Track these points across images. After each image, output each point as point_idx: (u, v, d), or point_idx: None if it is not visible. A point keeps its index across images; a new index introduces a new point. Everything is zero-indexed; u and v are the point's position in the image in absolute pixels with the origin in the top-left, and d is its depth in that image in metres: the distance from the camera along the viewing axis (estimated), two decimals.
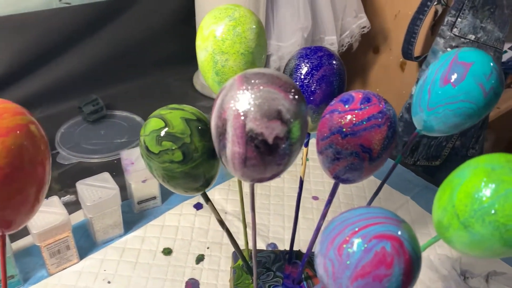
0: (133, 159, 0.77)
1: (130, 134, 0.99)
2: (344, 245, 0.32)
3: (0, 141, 0.29)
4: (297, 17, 1.09)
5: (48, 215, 0.66)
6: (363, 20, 1.27)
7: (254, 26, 0.45)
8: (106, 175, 0.74)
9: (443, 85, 0.45)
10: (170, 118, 0.41)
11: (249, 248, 0.62)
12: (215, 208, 0.50)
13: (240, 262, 0.61)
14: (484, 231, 0.34)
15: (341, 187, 0.89)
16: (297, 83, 0.50)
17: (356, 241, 0.31)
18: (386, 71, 1.53)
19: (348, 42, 1.29)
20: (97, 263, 0.72)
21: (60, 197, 0.82)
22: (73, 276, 0.69)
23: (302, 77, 0.49)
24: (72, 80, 1.04)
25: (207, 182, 0.45)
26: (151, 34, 1.13)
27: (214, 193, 0.86)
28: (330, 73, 0.49)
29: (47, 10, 0.94)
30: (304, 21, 1.10)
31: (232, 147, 0.33)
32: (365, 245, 0.31)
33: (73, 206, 0.81)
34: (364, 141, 0.41)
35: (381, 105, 0.42)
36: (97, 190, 0.71)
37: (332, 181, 0.47)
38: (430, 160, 1.29)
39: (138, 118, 1.04)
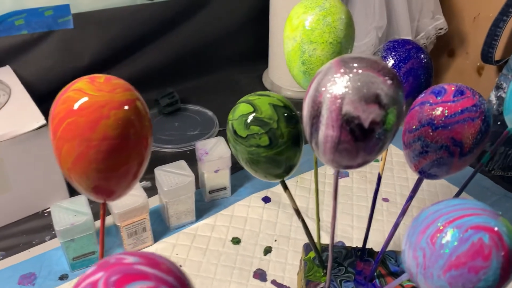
0: (207, 149, 0.80)
1: (202, 127, 1.02)
2: (438, 234, 0.31)
3: (112, 113, 0.31)
4: (372, 16, 1.08)
5: (129, 197, 0.70)
6: (440, 22, 1.23)
7: (343, 17, 0.45)
8: (182, 163, 0.77)
9: None
10: (258, 103, 0.42)
11: (321, 243, 0.62)
12: (292, 197, 0.50)
13: (311, 254, 0.61)
14: None
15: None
16: None
17: (451, 230, 0.31)
18: (462, 76, 1.47)
19: (424, 44, 1.25)
20: (170, 247, 0.75)
21: None
22: None
23: None
24: (150, 73, 1.09)
25: (288, 170, 0.46)
26: (225, 31, 1.16)
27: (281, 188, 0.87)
28: (418, 66, 0.48)
29: (131, 6, 1.00)
30: (379, 20, 1.08)
31: (325, 130, 0.33)
32: (461, 235, 0.30)
33: (148, 192, 0.85)
34: (456, 135, 0.40)
35: (475, 98, 0.40)
36: (174, 177, 0.74)
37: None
38: (506, 171, 1.22)
39: (209, 113, 1.07)
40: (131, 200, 0.69)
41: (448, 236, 0.31)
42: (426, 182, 0.89)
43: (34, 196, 0.78)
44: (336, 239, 0.76)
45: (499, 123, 1.11)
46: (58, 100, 0.32)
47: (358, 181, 0.90)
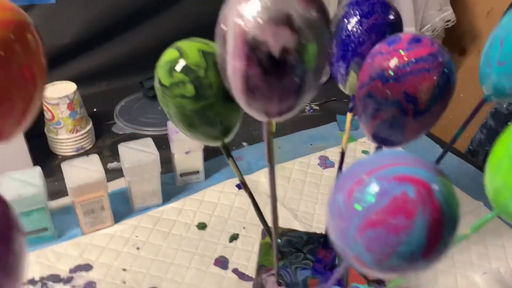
0: (177, 129, 0.75)
1: None
2: (356, 187, 0.25)
3: None
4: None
5: (85, 171, 0.65)
6: (448, 13, 1.16)
7: None
8: (149, 140, 0.73)
9: None
10: (186, 49, 0.37)
11: (281, 227, 0.57)
12: (237, 168, 0.45)
13: (268, 239, 0.55)
14: None
15: None
16: (344, 32, 0.43)
17: (371, 182, 0.25)
18: (473, 75, 1.38)
19: (430, 36, 1.18)
20: (131, 228, 0.70)
21: (108, 163, 0.82)
22: (105, 238, 0.68)
23: (350, 26, 0.43)
24: (136, 56, 1.05)
25: (225, 130, 0.41)
26: (216, 16, 1.12)
27: (260, 175, 0.81)
28: (382, 22, 0.42)
29: None
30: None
31: (232, 63, 0.27)
32: (382, 187, 0.24)
33: (119, 173, 0.81)
34: (408, 88, 0.34)
35: (433, 47, 0.34)
36: (137, 154, 0.70)
37: None
38: None
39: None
40: (87, 174, 0.65)
41: (367, 188, 0.25)
42: None
43: None
44: (311, 230, 0.70)
45: (509, 123, 1.04)
46: None
47: None
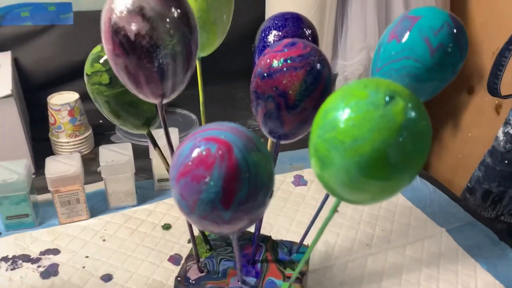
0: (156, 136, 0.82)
1: (181, 128, 1.05)
2: (181, 147, 0.31)
3: None
4: (364, 35, 1.07)
5: (63, 165, 0.73)
6: None
7: None
8: (128, 145, 0.80)
9: (389, 40, 0.41)
10: None
11: None
12: (163, 156, 0.51)
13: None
14: (334, 156, 0.29)
15: (369, 207, 0.82)
16: (261, 43, 0.49)
17: (188, 142, 0.30)
18: (480, 114, 1.38)
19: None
20: (102, 223, 0.77)
21: (98, 167, 0.90)
22: (78, 229, 0.75)
23: (266, 38, 0.49)
24: None
25: (147, 119, 0.47)
26: (225, 46, 1.21)
27: None
28: (294, 35, 0.48)
29: None
30: (371, 40, 1.07)
31: (106, 46, 0.34)
32: (193, 145, 0.29)
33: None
34: (278, 84, 0.39)
35: (305, 50, 0.39)
36: (114, 155, 0.77)
37: None
38: None
39: (193, 116, 1.11)
40: (65, 168, 0.73)
41: (183, 148, 0.30)
42: (386, 202, 0.84)
43: None
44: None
45: (506, 161, 1.04)
46: None
47: (314, 190, 0.87)
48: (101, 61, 0.43)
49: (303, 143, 1.03)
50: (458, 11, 1.31)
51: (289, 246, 0.58)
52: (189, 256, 0.57)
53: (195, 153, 0.29)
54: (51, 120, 0.92)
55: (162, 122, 0.41)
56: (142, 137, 1.02)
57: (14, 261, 0.68)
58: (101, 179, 0.87)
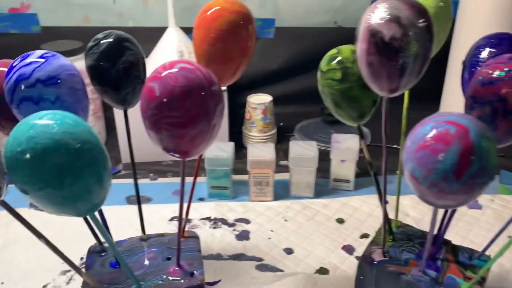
0: (339, 139, 0.91)
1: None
2: (419, 127, 0.38)
3: (227, 15, 0.49)
4: None
5: (261, 151, 0.87)
6: None
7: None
8: (313, 143, 0.91)
9: None
10: (343, 48, 0.54)
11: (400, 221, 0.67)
12: (366, 148, 0.59)
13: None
14: None
15: None
16: (473, 59, 0.54)
17: (429, 123, 0.37)
18: None
19: None
20: (283, 206, 0.88)
21: (280, 161, 1.03)
22: (263, 207, 0.88)
23: (480, 54, 0.54)
24: None
25: (361, 113, 0.55)
26: None
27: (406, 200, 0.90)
28: (509, 52, 0.52)
29: (322, 28, 1.21)
30: None
31: (360, 45, 0.43)
32: (434, 125, 0.37)
33: (286, 169, 1.00)
34: (498, 91, 0.44)
35: None
36: (301, 149, 0.88)
37: None
38: None
39: (365, 129, 1.18)
40: (262, 154, 0.86)
41: (425, 126, 0.37)
42: None
43: None
44: None
45: None
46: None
47: (489, 216, 0.86)
48: (336, 61, 0.53)
49: None
50: None
51: (470, 252, 0.61)
52: (372, 242, 0.63)
53: (435, 132, 0.36)
54: (247, 116, 1.08)
55: (384, 114, 0.49)
56: (316, 141, 1.12)
57: (215, 222, 0.83)
58: (282, 171, 0.99)
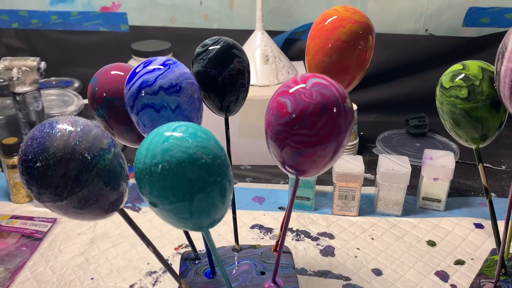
0: (432, 156, 0.86)
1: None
2: None
3: (348, 25, 0.46)
4: None
5: (349, 164, 0.83)
6: None
7: None
8: (405, 158, 0.86)
9: None
10: (469, 64, 0.49)
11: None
12: (484, 170, 0.54)
13: (495, 257, 0.60)
14: None
15: None
16: None
17: None
18: None
19: None
20: (369, 223, 0.84)
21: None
22: (348, 223, 0.84)
23: None
24: (405, 98, 1.21)
25: (484, 135, 0.51)
26: None
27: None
28: None
29: (413, 35, 1.15)
30: None
31: (506, 64, 0.39)
32: None
33: (370, 182, 0.96)
34: None
35: None
36: (392, 164, 0.84)
37: None
38: None
39: (453, 145, 1.10)
40: (350, 166, 0.82)
41: None
42: None
43: None
44: None
45: None
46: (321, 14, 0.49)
47: None
48: (461, 77, 0.49)
49: None
50: None
51: None
52: (480, 274, 0.58)
53: None
54: None
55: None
56: (399, 154, 1.07)
57: (298, 234, 0.81)
58: (365, 185, 0.95)
